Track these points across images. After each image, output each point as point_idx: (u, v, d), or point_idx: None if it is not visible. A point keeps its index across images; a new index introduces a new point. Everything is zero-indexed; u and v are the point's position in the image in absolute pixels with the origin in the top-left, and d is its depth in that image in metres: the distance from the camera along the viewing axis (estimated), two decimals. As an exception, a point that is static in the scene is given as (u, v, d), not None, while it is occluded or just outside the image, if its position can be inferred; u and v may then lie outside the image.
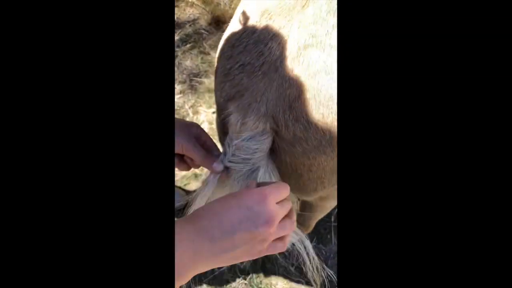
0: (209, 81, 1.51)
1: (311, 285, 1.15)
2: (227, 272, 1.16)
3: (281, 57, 0.46)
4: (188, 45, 1.59)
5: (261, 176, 0.53)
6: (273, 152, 0.53)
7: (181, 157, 0.55)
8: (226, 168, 0.53)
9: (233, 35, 0.51)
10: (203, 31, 1.63)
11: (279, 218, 0.37)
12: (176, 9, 1.69)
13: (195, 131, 0.54)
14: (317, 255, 1.19)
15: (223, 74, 0.51)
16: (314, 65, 0.45)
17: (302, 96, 0.45)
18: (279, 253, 1.18)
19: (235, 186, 0.54)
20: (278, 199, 0.38)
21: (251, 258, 0.36)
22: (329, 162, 0.50)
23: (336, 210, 1.26)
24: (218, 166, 0.52)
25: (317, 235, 1.24)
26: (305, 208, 0.84)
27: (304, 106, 0.45)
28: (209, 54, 1.58)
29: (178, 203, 1.13)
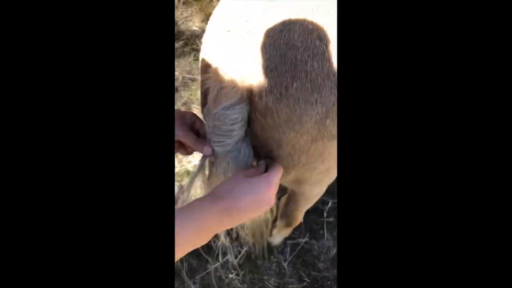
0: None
1: (304, 281, 1.13)
2: (220, 268, 1.14)
3: (266, 30, 0.46)
4: (180, 42, 1.59)
5: (246, 153, 0.53)
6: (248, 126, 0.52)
7: (181, 144, 0.60)
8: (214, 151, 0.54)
9: (226, 5, 0.51)
10: (195, 28, 1.63)
11: (275, 195, 0.50)
12: (168, 6, 1.69)
13: (189, 119, 0.59)
14: (309, 250, 1.18)
15: (211, 37, 0.51)
16: (295, 41, 0.44)
17: (278, 68, 0.45)
18: (273, 248, 1.17)
19: (227, 167, 0.54)
20: (277, 182, 0.50)
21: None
22: (298, 140, 0.50)
23: (328, 205, 1.25)
24: (207, 150, 0.55)
25: (309, 231, 1.22)
26: (289, 200, 0.83)
27: (279, 78, 0.45)
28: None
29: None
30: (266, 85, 0.46)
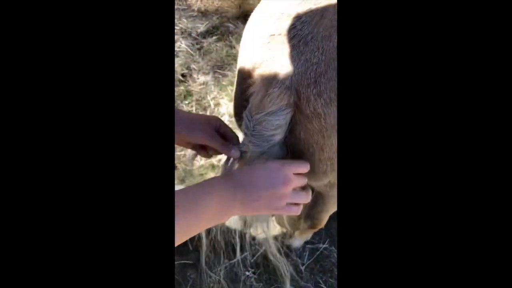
0: (233, 75, 1.52)
1: (321, 287, 1.11)
2: (237, 265, 1.14)
3: (313, 33, 0.45)
4: (214, 37, 1.60)
5: (277, 153, 0.53)
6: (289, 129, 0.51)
7: (203, 147, 0.62)
8: (243, 154, 0.55)
9: (268, 8, 0.50)
10: (230, 24, 1.64)
11: (294, 184, 0.48)
12: (205, 0, 1.71)
13: (214, 124, 0.61)
14: (328, 256, 1.16)
15: (252, 41, 0.50)
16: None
17: (328, 72, 0.44)
18: (290, 250, 1.16)
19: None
20: (295, 171, 0.49)
21: (270, 212, 0.48)
22: None
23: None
24: (236, 153, 0.56)
25: (330, 237, 1.20)
26: (316, 201, 0.81)
27: (329, 82, 0.44)
28: (234, 48, 1.58)
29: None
30: (315, 89, 0.45)
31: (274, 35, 0.48)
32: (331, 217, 1.17)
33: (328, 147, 0.50)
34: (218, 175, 0.53)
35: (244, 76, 0.53)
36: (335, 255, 1.18)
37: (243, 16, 1.65)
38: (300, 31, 0.46)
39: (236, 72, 0.59)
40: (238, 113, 0.58)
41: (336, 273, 1.15)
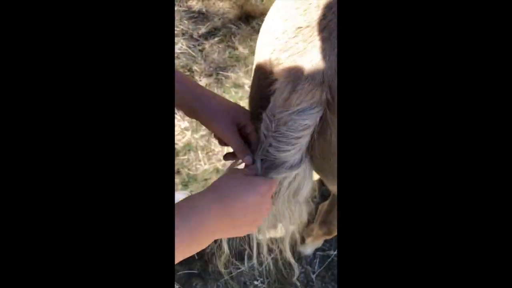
0: (236, 76, 1.48)
1: (333, 296, 1.07)
2: (246, 274, 1.09)
3: None
4: (216, 39, 1.56)
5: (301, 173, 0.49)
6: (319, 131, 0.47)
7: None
8: (258, 161, 0.50)
9: None
10: (232, 25, 1.60)
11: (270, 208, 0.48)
12: (206, 1, 1.67)
13: (239, 119, 0.52)
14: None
15: (274, 37, 0.46)
16: None
17: None
18: (300, 258, 1.11)
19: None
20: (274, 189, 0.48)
21: (249, 232, 0.48)
22: None
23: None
24: (248, 159, 0.50)
25: (341, 243, 1.16)
26: (333, 206, 0.77)
27: None
28: (237, 49, 1.54)
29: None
30: None
31: (301, 27, 0.44)
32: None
33: None
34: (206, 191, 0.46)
35: (265, 73, 0.49)
36: (347, 261, 1.14)
37: (245, 17, 1.61)
38: (331, 22, 0.42)
39: (253, 69, 0.54)
40: (255, 115, 0.54)
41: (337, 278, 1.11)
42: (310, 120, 0.44)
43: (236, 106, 0.53)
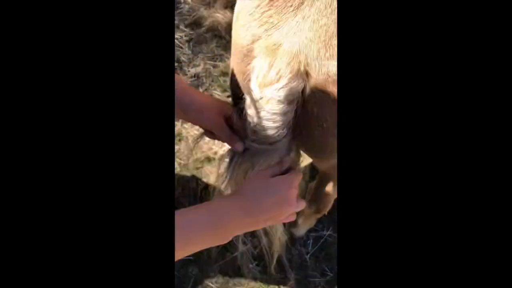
0: (224, 65, 1.48)
1: (327, 275, 1.09)
2: (240, 258, 1.11)
3: None
4: (202, 29, 1.55)
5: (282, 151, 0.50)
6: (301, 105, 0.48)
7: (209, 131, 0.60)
8: (246, 149, 0.52)
9: None
10: (218, 14, 1.59)
11: (296, 198, 0.50)
12: (191, -9, 1.66)
13: (225, 110, 0.57)
14: (333, 243, 1.14)
15: (248, 13, 0.46)
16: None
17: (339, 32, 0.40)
18: (294, 240, 1.13)
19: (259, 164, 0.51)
20: (297, 184, 0.51)
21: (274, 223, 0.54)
22: None
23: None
24: (239, 146, 0.54)
25: (333, 224, 1.18)
26: (321, 183, 0.78)
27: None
28: (224, 38, 1.54)
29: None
30: (327, 53, 0.42)
31: (273, 0, 0.44)
32: (333, 204, 1.14)
33: None
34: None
35: (242, 53, 0.49)
36: (339, 242, 1.16)
37: (231, 6, 1.61)
38: (303, -8, 0.42)
39: (232, 50, 0.55)
40: (237, 97, 0.54)
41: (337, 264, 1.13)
42: (293, 95, 0.45)
43: (220, 100, 0.59)
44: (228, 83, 1.45)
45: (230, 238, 0.45)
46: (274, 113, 0.45)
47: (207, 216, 0.43)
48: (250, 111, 0.48)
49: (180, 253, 0.41)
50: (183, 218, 0.41)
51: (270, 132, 0.48)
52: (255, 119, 0.48)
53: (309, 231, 1.14)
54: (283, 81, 0.43)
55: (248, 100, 0.48)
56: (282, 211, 0.48)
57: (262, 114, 0.47)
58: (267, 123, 0.47)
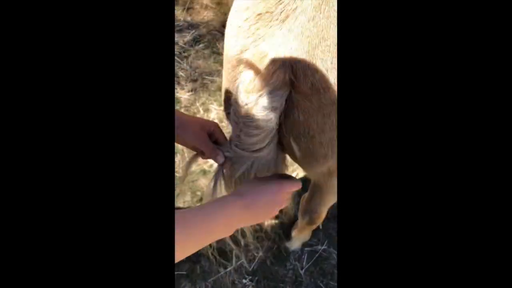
0: (221, 80, 1.50)
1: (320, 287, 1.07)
2: (234, 273, 1.10)
3: (302, 6, 0.44)
4: (201, 45, 1.59)
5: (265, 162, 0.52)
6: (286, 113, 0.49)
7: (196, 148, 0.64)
8: (228, 159, 0.55)
9: None
10: (216, 32, 1.64)
11: (285, 204, 0.57)
12: (191, 10, 1.71)
13: (208, 128, 0.62)
14: (327, 258, 1.13)
15: (237, 26, 0.48)
16: (336, 13, 0.42)
17: (323, 43, 0.42)
18: (288, 254, 1.12)
19: (249, 169, 0.53)
20: (289, 192, 0.56)
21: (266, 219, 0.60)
22: None
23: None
24: (220, 158, 0.58)
25: (328, 238, 1.17)
26: (314, 194, 0.79)
27: (325, 53, 0.42)
28: (221, 54, 1.58)
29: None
30: (311, 64, 0.43)
31: (261, 14, 0.47)
32: (327, 217, 1.14)
33: (329, 126, 0.48)
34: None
35: (232, 64, 0.51)
36: (335, 256, 1.14)
37: (229, 24, 1.65)
38: (288, 5, 0.44)
39: (224, 62, 0.57)
40: (228, 104, 0.56)
41: (337, 275, 1.11)
42: (277, 102, 0.46)
43: (202, 118, 0.63)
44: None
45: (233, 231, 0.50)
46: (259, 119, 0.46)
47: (216, 213, 0.47)
48: (236, 117, 0.50)
49: (191, 247, 0.45)
50: (189, 214, 0.45)
51: (255, 138, 0.50)
52: (240, 125, 0.49)
53: (304, 245, 1.13)
54: (269, 88, 0.45)
55: (234, 106, 0.49)
56: (274, 209, 0.55)
57: (247, 119, 0.48)
58: (251, 130, 0.49)
